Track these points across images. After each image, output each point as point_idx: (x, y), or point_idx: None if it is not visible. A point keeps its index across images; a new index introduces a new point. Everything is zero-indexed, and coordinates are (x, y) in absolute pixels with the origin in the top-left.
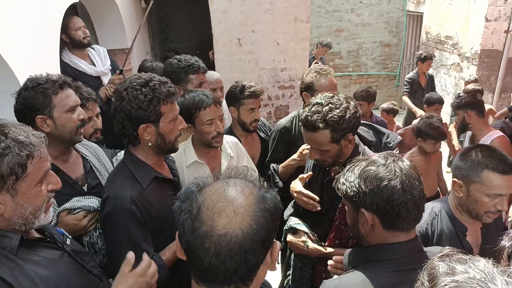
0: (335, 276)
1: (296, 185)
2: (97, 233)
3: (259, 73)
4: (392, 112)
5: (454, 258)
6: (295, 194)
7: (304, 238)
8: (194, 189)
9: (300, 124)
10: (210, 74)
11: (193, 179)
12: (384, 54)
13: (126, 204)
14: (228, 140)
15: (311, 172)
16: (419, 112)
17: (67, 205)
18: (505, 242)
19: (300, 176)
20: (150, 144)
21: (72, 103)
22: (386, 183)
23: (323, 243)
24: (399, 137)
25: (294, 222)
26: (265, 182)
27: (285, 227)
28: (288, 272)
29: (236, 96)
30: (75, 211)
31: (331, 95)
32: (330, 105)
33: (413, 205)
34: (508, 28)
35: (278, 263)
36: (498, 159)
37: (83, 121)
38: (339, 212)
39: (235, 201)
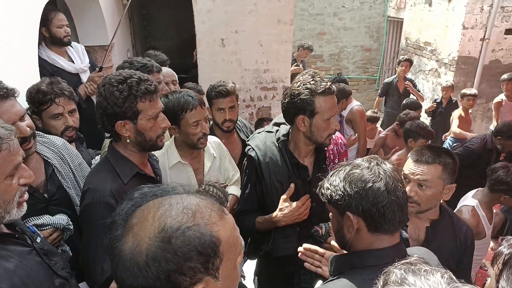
0: (319, 283)
1: (285, 209)
2: (59, 250)
3: (242, 74)
4: (374, 120)
5: (413, 268)
6: (289, 215)
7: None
8: (130, 200)
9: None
10: (163, 69)
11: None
12: (365, 58)
13: (105, 197)
14: (211, 141)
15: (292, 185)
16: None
17: (38, 221)
18: (503, 248)
19: (283, 196)
20: (128, 140)
21: (14, 115)
22: (371, 185)
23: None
24: None
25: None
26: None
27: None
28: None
29: (209, 95)
30: (44, 228)
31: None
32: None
33: (398, 206)
34: (484, 36)
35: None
36: None
37: (33, 130)
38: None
39: (145, 222)
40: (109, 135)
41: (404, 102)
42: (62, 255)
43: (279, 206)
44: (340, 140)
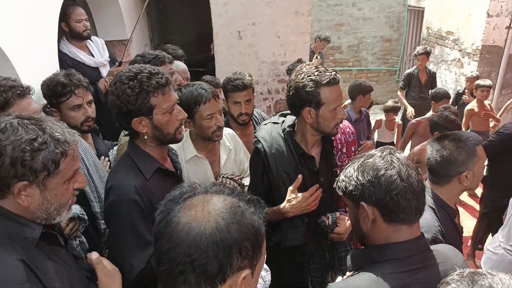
0: (339, 279)
1: (292, 200)
2: (77, 241)
3: (259, 66)
4: (395, 110)
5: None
6: (298, 206)
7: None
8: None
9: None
10: (176, 64)
11: (191, 179)
12: (385, 49)
13: (130, 194)
14: (226, 133)
15: (300, 176)
16: (409, 109)
17: None
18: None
19: (290, 187)
20: (146, 137)
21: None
22: (383, 172)
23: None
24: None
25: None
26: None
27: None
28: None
29: (225, 88)
30: None
31: None
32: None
33: (412, 194)
34: (510, 24)
35: None
36: (470, 135)
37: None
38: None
39: (210, 201)
40: (127, 132)
41: (433, 91)
42: (80, 246)
43: (287, 197)
44: (348, 129)
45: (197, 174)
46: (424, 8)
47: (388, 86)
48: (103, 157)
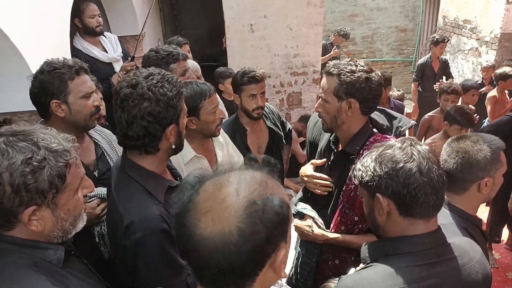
0: (352, 270)
1: (307, 170)
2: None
3: (272, 59)
4: (399, 98)
5: None
6: (305, 179)
7: (309, 222)
8: (188, 185)
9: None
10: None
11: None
12: (400, 40)
13: (158, 225)
14: None
15: (325, 159)
16: (413, 108)
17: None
18: None
19: (312, 160)
20: (174, 146)
21: (88, 89)
22: (402, 165)
23: (328, 230)
24: (412, 121)
25: (301, 207)
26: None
27: (293, 212)
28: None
29: (237, 82)
30: (90, 199)
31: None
32: (352, 62)
33: (431, 189)
34: None
35: None
36: (492, 139)
37: (98, 107)
38: (343, 196)
39: (224, 203)
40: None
41: (460, 83)
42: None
43: (307, 164)
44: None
45: None
46: None
47: (403, 77)
48: None
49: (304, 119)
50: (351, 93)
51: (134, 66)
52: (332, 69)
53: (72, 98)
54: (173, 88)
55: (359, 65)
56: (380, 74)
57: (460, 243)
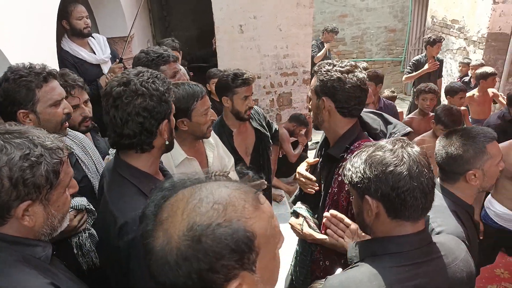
0: (339, 270)
1: (300, 167)
2: (86, 234)
3: (261, 60)
4: (392, 99)
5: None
6: (297, 175)
7: (300, 221)
8: (161, 191)
9: None
10: None
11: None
12: (389, 40)
13: None
14: None
15: (317, 159)
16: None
17: None
18: None
19: (307, 159)
20: (167, 142)
21: (57, 96)
22: (392, 168)
23: (320, 231)
24: (408, 128)
25: (298, 205)
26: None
27: (290, 210)
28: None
29: (229, 85)
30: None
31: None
32: (335, 62)
33: (421, 193)
34: None
35: None
36: (481, 132)
37: (68, 114)
38: (329, 197)
39: (175, 217)
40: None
41: (448, 85)
42: (90, 239)
43: (302, 163)
44: None
45: None
46: None
47: (393, 77)
48: (107, 156)
49: (295, 119)
50: (324, 91)
51: (122, 68)
52: (316, 67)
53: (41, 107)
54: (163, 84)
55: (337, 65)
56: (364, 77)
57: (446, 241)
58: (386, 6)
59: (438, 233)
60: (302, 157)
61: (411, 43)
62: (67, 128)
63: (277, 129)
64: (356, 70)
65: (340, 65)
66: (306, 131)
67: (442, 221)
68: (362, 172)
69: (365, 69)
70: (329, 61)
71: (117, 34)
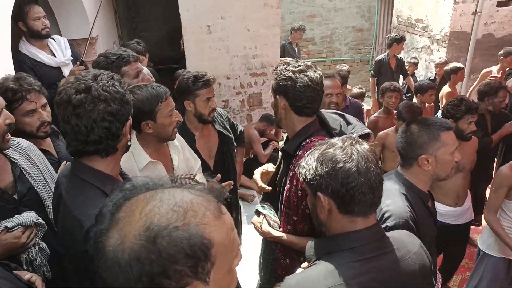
0: (299, 270)
1: (256, 171)
2: (36, 248)
3: (230, 60)
4: (360, 96)
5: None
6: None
7: (260, 219)
8: (121, 191)
9: None
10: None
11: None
12: (357, 39)
13: None
14: None
15: (273, 170)
16: (373, 103)
17: (10, 224)
18: None
19: (266, 166)
20: (130, 143)
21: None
22: (342, 165)
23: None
24: (366, 129)
25: (260, 204)
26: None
27: (254, 210)
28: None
29: (189, 88)
30: (13, 229)
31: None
32: (291, 61)
33: (368, 188)
34: (476, 9)
35: None
36: (438, 121)
37: (10, 125)
38: (285, 193)
39: (132, 217)
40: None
41: (417, 84)
42: (40, 253)
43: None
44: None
45: None
46: None
47: (362, 75)
48: (64, 162)
49: (266, 118)
50: (278, 90)
51: (83, 70)
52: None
53: None
54: (121, 84)
55: (291, 65)
56: (317, 77)
57: (399, 236)
58: (353, 6)
59: (384, 212)
60: (273, 157)
61: (378, 43)
62: (8, 143)
63: (242, 130)
64: (309, 70)
65: (294, 64)
66: (276, 131)
67: (390, 202)
68: (314, 169)
69: (348, 71)
70: (287, 59)
71: (79, 36)
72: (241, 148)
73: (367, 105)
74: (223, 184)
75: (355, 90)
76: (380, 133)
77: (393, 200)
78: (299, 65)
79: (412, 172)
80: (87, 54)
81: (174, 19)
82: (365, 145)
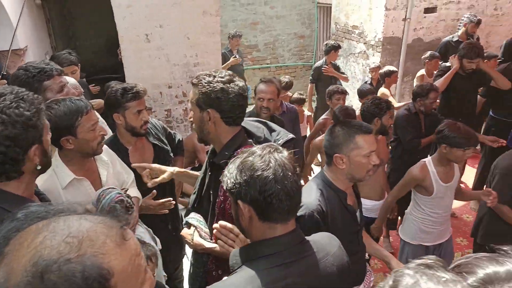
0: (225, 279)
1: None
2: None
3: (171, 69)
4: (301, 101)
5: (430, 272)
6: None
7: (191, 231)
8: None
9: None
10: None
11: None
12: (299, 46)
13: None
14: None
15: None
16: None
17: None
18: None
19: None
20: (39, 167)
21: None
22: (260, 173)
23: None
24: (290, 135)
25: (190, 216)
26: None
27: (183, 222)
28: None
29: (118, 100)
30: None
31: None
32: (213, 72)
33: (285, 195)
34: (405, 16)
35: None
36: (359, 125)
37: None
38: (217, 207)
39: (20, 250)
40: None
41: (358, 88)
42: None
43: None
44: None
45: (79, 199)
46: (331, 4)
47: (305, 81)
48: None
49: None
50: (208, 103)
51: (6, 84)
52: (194, 79)
53: None
54: (30, 106)
55: (217, 76)
56: (244, 85)
57: (320, 239)
58: (294, 14)
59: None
60: None
61: (319, 49)
62: None
63: (180, 139)
64: (235, 79)
65: (220, 75)
66: None
67: (306, 195)
68: (234, 177)
69: (291, 82)
70: (207, 72)
71: (5, 47)
72: (180, 157)
73: (308, 111)
74: (161, 201)
75: (296, 95)
76: (317, 139)
77: (308, 194)
78: (225, 75)
79: (332, 170)
80: (16, 66)
81: (112, 27)
82: (284, 153)
